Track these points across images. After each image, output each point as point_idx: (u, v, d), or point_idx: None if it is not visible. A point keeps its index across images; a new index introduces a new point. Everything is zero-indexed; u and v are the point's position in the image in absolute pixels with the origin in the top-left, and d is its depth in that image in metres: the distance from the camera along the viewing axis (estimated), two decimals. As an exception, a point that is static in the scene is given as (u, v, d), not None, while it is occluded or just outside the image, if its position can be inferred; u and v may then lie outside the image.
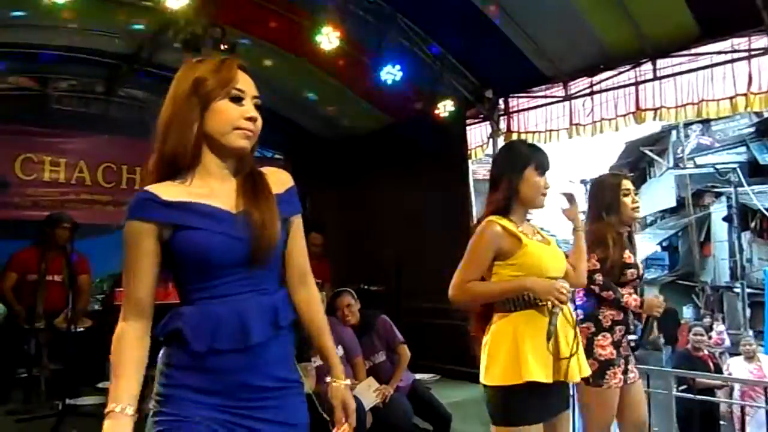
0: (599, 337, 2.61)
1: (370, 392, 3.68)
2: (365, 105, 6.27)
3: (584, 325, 2.63)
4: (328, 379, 1.48)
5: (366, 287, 5.39)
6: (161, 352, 1.36)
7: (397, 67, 4.92)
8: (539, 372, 1.98)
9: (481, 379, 2.12)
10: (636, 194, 2.80)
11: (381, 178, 6.29)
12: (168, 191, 1.32)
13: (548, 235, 2.29)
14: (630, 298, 2.63)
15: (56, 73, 6.02)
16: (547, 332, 1.99)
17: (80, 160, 6.14)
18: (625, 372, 2.62)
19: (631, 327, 2.70)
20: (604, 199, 2.77)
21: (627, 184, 2.79)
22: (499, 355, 2.06)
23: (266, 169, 1.46)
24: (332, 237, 5.65)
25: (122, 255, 1.33)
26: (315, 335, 1.49)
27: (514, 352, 2.02)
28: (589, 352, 2.57)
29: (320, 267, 5.12)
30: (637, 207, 2.77)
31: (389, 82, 5.00)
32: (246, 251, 1.32)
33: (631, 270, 2.68)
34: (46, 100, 6.01)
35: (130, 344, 1.30)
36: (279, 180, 1.45)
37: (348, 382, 1.47)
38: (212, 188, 1.36)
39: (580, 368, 2.12)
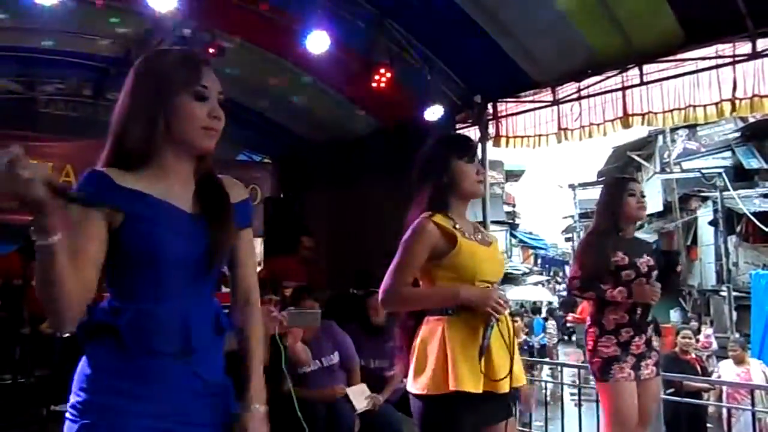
0: (603, 339, 2.71)
1: (362, 398, 3.68)
2: (354, 109, 6.28)
3: (591, 330, 2.77)
4: (245, 406, 1.33)
5: (356, 292, 5.38)
6: (85, 353, 1.25)
7: (386, 71, 4.93)
8: (469, 381, 1.80)
9: (408, 388, 1.95)
10: (643, 196, 2.88)
11: (371, 183, 6.29)
12: (123, 178, 1.23)
13: (491, 236, 2.13)
14: (614, 291, 2.68)
15: (43, 77, 5.98)
16: (479, 348, 1.81)
17: (67, 164, 6.10)
18: (638, 368, 2.69)
19: (642, 327, 2.74)
20: (609, 200, 2.87)
21: (633, 185, 2.88)
22: (427, 362, 1.88)
23: (224, 179, 1.41)
24: (322, 242, 5.64)
25: None
26: (246, 354, 1.38)
27: (442, 359, 1.84)
28: (594, 351, 2.71)
29: (314, 273, 5.09)
30: (642, 207, 2.86)
31: (378, 86, 5.00)
32: (198, 252, 1.26)
33: (627, 272, 2.72)
34: (33, 103, 5.97)
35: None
36: (235, 190, 1.40)
37: (262, 409, 1.33)
38: (168, 186, 1.29)
39: (514, 378, 1.91)
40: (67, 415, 1.20)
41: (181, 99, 1.26)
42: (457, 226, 1.97)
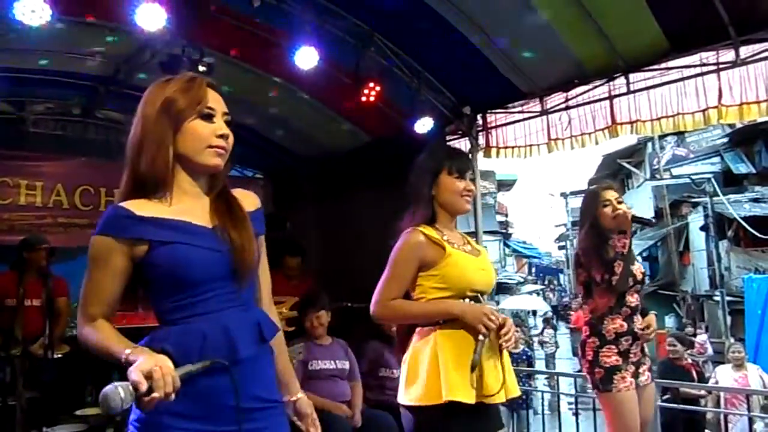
0: (604, 349, 2.70)
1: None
2: (344, 123, 6.29)
3: (590, 340, 2.75)
4: (290, 398, 1.51)
5: (350, 305, 5.36)
6: None
7: (375, 85, 4.95)
8: (463, 392, 1.81)
9: (399, 399, 1.97)
10: (620, 203, 2.81)
11: (362, 197, 6.29)
12: (142, 207, 1.30)
13: (479, 247, 2.15)
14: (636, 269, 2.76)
15: (32, 96, 5.96)
16: (471, 362, 1.81)
17: (57, 183, 6.07)
18: (637, 375, 2.70)
19: (638, 333, 2.74)
20: (585, 212, 2.86)
21: (608, 194, 2.82)
22: (419, 373, 1.89)
23: (236, 191, 1.47)
24: (314, 256, 5.63)
25: (86, 270, 1.30)
26: (276, 350, 1.48)
27: (435, 369, 1.85)
28: (595, 362, 2.69)
29: (304, 287, 5.08)
30: (618, 216, 2.75)
31: (367, 100, 5.02)
32: (227, 264, 1.31)
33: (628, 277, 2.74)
34: (22, 123, 5.94)
35: (109, 325, 1.29)
36: (248, 200, 1.47)
37: (302, 394, 1.50)
38: (186, 205, 1.35)
39: (506, 389, 1.94)
40: (130, 427, 1.30)
41: (188, 121, 1.33)
42: (446, 238, 2.00)
